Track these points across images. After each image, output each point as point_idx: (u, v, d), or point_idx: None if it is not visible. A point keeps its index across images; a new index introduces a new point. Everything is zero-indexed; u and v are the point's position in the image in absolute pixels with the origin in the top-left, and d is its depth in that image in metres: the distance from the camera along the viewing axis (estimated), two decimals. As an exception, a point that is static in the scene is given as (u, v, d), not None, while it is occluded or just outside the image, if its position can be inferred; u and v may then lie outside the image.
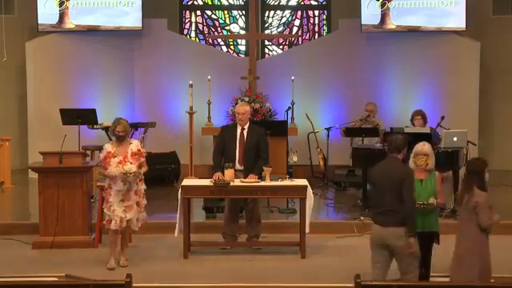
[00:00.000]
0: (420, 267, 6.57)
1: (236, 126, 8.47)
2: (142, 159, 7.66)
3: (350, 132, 11.55)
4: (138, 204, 7.68)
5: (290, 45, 14.73)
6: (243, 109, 8.48)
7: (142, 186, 7.77)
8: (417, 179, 6.56)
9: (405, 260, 6.23)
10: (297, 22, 14.65)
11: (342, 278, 7.09)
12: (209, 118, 12.36)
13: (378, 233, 6.28)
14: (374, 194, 6.40)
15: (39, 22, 13.01)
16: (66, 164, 8.44)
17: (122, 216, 7.55)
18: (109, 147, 7.67)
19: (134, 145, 7.67)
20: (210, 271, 7.50)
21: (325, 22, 14.58)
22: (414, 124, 10.36)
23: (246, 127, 8.43)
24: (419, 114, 10.39)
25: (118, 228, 7.60)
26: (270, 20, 14.66)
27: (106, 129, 11.37)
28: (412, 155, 6.72)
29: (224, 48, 14.72)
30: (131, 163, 7.54)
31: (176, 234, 7.99)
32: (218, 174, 8.11)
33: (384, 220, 6.24)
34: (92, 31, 13.17)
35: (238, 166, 8.32)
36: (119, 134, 7.61)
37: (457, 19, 12.90)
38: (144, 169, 7.69)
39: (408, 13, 13.02)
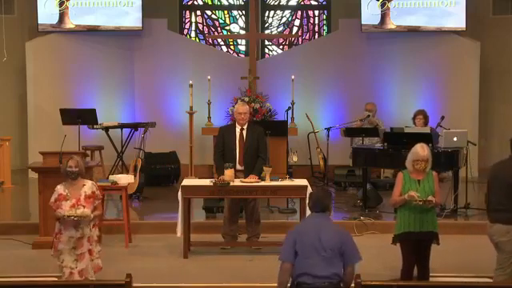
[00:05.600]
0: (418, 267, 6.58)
1: (235, 126, 8.42)
2: (97, 202, 6.78)
3: (350, 132, 11.56)
4: (90, 252, 6.68)
5: (290, 45, 14.73)
6: (245, 108, 8.44)
7: (95, 233, 6.78)
8: (414, 180, 6.53)
9: (501, 255, 6.20)
10: (297, 22, 14.64)
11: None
12: (209, 118, 12.37)
13: (488, 230, 6.30)
14: (489, 191, 6.37)
15: (39, 22, 13.02)
16: (66, 164, 8.43)
17: (73, 266, 6.59)
18: (60, 189, 6.73)
19: (88, 187, 6.71)
20: (210, 271, 7.50)
21: (325, 21, 14.57)
22: (415, 123, 10.36)
23: (245, 127, 8.39)
24: (421, 114, 10.39)
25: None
26: (270, 20, 14.66)
27: (106, 129, 11.40)
28: (411, 158, 6.54)
29: (224, 48, 14.72)
30: (84, 207, 6.61)
31: (179, 234, 7.95)
32: (222, 178, 7.99)
33: (492, 217, 6.27)
34: (92, 31, 13.17)
35: (238, 166, 8.28)
36: (72, 169, 6.65)
37: (457, 19, 12.89)
38: (97, 212, 6.77)
39: (408, 13, 13.02)
